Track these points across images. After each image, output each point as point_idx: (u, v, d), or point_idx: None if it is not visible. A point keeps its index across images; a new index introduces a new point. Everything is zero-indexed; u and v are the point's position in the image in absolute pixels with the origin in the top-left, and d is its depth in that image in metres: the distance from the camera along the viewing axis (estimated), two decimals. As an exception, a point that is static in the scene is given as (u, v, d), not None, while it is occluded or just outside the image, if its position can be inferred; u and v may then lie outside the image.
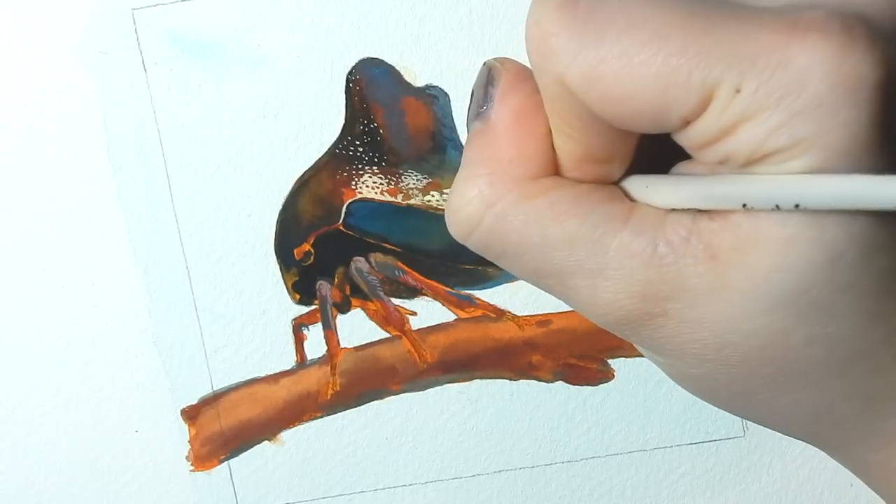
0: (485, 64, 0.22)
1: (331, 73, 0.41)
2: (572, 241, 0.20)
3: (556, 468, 0.44)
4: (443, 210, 0.37)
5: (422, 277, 0.43)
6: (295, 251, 0.42)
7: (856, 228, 0.18)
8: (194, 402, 0.43)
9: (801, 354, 0.19)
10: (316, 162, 0.41)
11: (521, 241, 0.20)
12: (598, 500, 0.44)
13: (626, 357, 0.43)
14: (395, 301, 0.43)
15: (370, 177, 0.42)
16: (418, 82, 0.41)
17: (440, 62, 0.41)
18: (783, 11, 0.18)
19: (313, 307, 0.43)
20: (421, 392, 0.43)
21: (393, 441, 0.44)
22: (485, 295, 0.43)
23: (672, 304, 0.19)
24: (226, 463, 0.44)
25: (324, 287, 0.43)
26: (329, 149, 0.41)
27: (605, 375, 0.43)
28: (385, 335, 0.43)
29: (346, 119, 0.41)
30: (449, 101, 0.41)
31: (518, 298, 0.43)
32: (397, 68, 0.41)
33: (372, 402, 0.44)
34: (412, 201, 0.42)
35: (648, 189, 0.20)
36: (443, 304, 0.43)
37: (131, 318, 0.42)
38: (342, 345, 0.43)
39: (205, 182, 0.41)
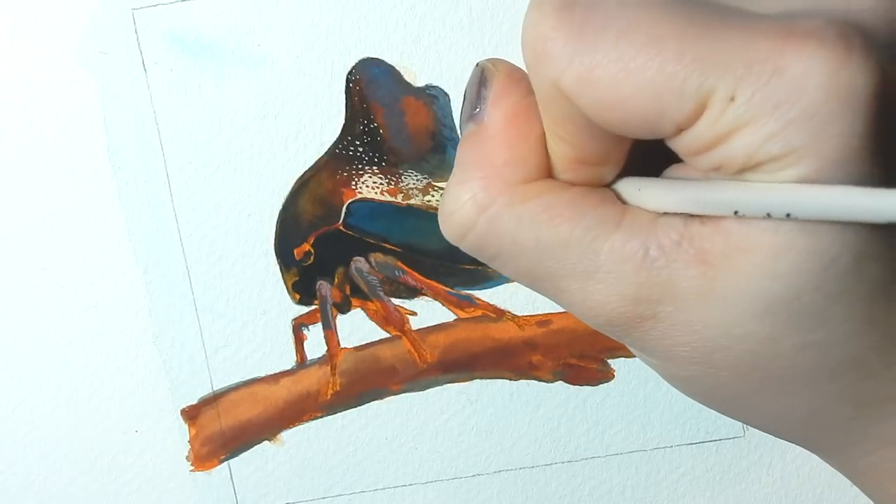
0: (477, 65, 0.22)
1: (331, 73, 0.41)
2: (565, 245, 0.20)
3: (556, 468, 0.44)
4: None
5: (422, 277, 0.43)
6: (295, 251, 0.42)
7: (848, 237, 0.18)
8: (194, 402, 0.43)
9: (792, 360, 0.19)
10: (316, 162, 0.41)
11: (514, 243, 0.20)
12: (598, 500, 0.44)
13: (626, 357, 0.43)
14: (395, 301, 0.43)
15: (370, 177, 0.42)
16: (418, 82, 0.41)
17: (440, 62, 0.41)
18: (779, 19, 0.18)
19: (313, 307, 0.43)
20: (421, 392, 0.43)
21: (393, 441, 0.44)
22: (485, 295, 0.43)
23: (662, 307, 0.19)
24: (226, 463, 0.44)
25: (324, 287, 0.43)
26: (329, 149, 0.41)
27: (605, 375, 0.43)
28: (385, 335, 0.43)
29: (346, 119, 0.41)
30: (449, 100, 0.41)
31: (518, 298, 0.43)
32: (397, 68, 0.41)
33: (372, 402, 0.44)
34: (412, 201, 0.42)
35: (641, 192, 0.20)
36: (443, 304, 0.43)
37: (131, 317, 0.42)
38: (342, 345, 0.43)
39: (205, 182, 0.41)
